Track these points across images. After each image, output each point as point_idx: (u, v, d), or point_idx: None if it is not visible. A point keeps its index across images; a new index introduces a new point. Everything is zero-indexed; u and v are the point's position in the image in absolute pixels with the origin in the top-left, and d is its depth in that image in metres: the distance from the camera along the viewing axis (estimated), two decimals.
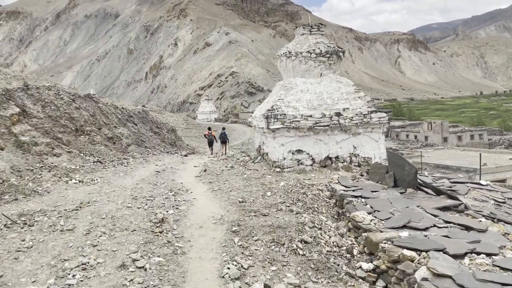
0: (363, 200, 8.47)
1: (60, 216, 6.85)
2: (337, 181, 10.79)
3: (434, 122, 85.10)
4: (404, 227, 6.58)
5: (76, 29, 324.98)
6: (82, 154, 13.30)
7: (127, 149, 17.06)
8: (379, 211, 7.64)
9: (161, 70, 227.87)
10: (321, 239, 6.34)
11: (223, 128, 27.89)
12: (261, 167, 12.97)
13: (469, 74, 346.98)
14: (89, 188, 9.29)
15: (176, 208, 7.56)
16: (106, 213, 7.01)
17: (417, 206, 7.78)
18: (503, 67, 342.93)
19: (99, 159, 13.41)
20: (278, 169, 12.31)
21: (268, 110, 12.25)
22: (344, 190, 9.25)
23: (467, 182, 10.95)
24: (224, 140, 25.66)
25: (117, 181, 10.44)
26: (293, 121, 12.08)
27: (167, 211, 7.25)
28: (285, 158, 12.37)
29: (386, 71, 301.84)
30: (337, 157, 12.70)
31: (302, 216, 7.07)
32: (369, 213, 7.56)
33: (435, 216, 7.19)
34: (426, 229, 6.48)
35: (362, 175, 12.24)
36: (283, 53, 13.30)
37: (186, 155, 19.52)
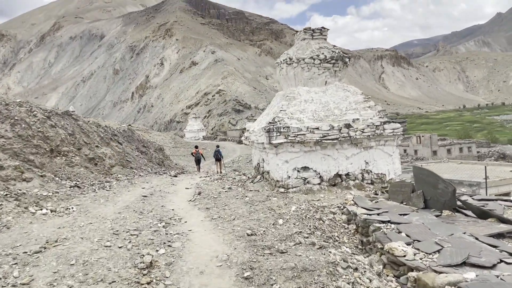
0: (393, 226, 7.01)
1: (16, 264, 5.21)
2: (353, 202, 9.33)
3: (423, 136, 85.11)
4: (463, 264, 5.12)
5: (61, 51, 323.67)
6: (57, 178, 11.62)
7: (111, 170, 15.40)
8: (419, 240, 6.18)
9: (147, 90, 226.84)
10: (361, 284, 4.83)
11: (217, 146, 27.35)
12: (262, 188, 11.46)
13: (451, 88, 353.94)
14: (60, 221, 7.63)
15: (169, 245, 5.96)
16: (77, 256, 5.39)
17: (464, 233, 6.35)
18: (484, 80, 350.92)
19: (77, 183, 11.74)
20: (282, 189, 10.81)
21: (269, 122, 10.82)
22: (367, 214, 7.78)
23: (495, 199, 9.58)
24: (218, 157, 25.38)
25: (96, 210, 8.79)
26: (298, 134, 10.65)
27: (157, 251, 5.65)
28: (289, 177, 10.88)
29: (370, 86, 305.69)
30: (347, 174, 11.27)
31: (329, 252, 5.56)
32: (407, 244, 6.10)
33: (494, 246, 5.75)
34: (493, 266, 5.03)
35: (376, 194, 10.82)
36: (283, 60, 11.97)
37: (175, 176, 17.90)
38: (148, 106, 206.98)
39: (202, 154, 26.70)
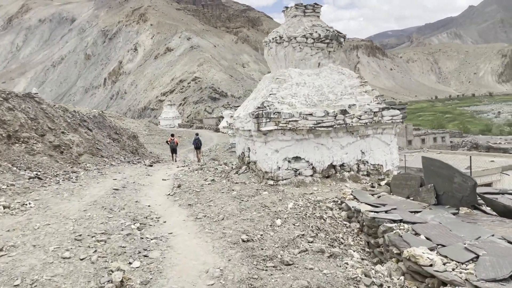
0: (406, 226, 6.06)
1: None
2: (352, 196, 8.36)
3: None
4: (511, 278, 4.19)
5: (29, 34, 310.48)
6: (14, 168, 10.16)
7: (79, 159, 13.94)
8: (443, 245, 5.24)
9: (120, 76, 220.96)
10: None
11: (197, 134, 27.32)
12: (249, 180, 10.37)
13: (424, 79, 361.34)
14: (11, 221, 6.29)
15: (145, 255, 4.77)
16: (24, 273, 4.15)
17: (493, 236, 5.45)
18: (456, 72, 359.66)
19: (38, 174, 10.30)
20: (271, 182, 9.75)
21: (258, 107, 9.68)
22: (374, 211, 6.80)
23: (502, 193, 8.79)
24: (198, 146, 25.55)
25: (57, 206, 7.47)
26: (289, 121, 9.58)
27: (130, 264, 4.46)
28: (279, 168, 9.83)
29: None
30: (342, 165, 10.31)
31: (345, 264, 4.52)
32: (430, 249, 5.14)
33: None
34: None
35: (373, 187, 9.92)
36: (273, 39, 10.79)
37: (151, 165, 16.56)
38: (121, 93, 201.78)
39: (177, 143, 26.06)
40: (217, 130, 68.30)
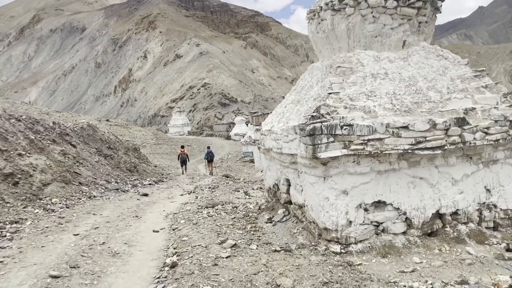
0: None
1: None
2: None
3: None
4: None
5: (41, 44, 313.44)
6: None
7: (41, 192, 9.78)
8: None
9: (130, 84, 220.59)
10: None
11: (208, 147, 27.25)
12: (294, 238, 6.23)
13: None
14: None
15: None
16: None
17: None
18: None
19: None
20: (335, 247, 5.51)
21: (312, 116, 5.38)
22: None
23: None
24: (211, 159, 25.37)
25: None
26: (369, 139, 5.29)
27: None
28: (350, 222, 5.61)
29: None
30: (455, 213, 5.94)
31: None
32: None
33: None
34: None
35: (510, 250, 5.48)
36: (326, 4, 6.52)
37: (146, 194, 12.37)
38: (131, 100, 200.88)
39: (187, 155, 25.81)
40: (228, 138, 64.51)
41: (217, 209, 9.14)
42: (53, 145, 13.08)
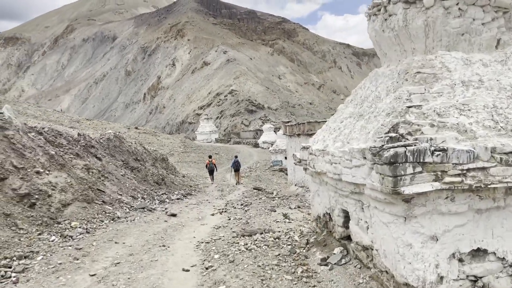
0: None
1: None
2: None
3: None
4: None
5: (73, 53, 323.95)
6: None
7: (60, 214, 8.78)
8: None
9: (159, 91, 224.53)
10: None
11: (236, 156, 27.52)
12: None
13: None
14: None
15: None
16: None
17: None
18: None
19: None
20: None
21: (390, 137, 3.98)
22: None
23: None
24: (237, 168, 25.45)
25: None
26: (468, 169, 3.80)
27: None
28: (442, 278, 4.11)
29: None
30: None
31: None
32: None
33: None
34: None
35: None
36: None
37: (174, 214, 11.24)
38: (160, 107, 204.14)
39: (215, 164, 26.20)
40: (256, 146, 63.38)
41: (255, 240, 7.85)
42: (76, 159, 12.20)
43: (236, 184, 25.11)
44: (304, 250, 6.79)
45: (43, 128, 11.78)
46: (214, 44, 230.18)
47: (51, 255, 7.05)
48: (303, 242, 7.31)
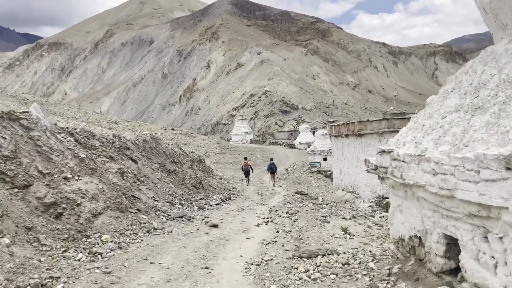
0: None
1: None
2: None
3: None
4: None
5: (113, 57, 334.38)
6: None
7: (91, 226, 7.71)
8: None
9: (194, 93, 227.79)
10: None
11: (271, 159, 27.05)
12: None
13: None
14: None
15: None
16: None
17: None
18: None
19: None
20: None
21: None
22: None
23: None
24: (273, 171, 25.05)
25: None
26: None
27: None
28: None
29: (423, 84, 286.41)
30: None
31: None
32: None
33: None
34: None
35: None
36: None
37: (215, 225, 9.95)
38: (195, 109, 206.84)
39: (251, 166, 26.03)
40: (292, 146, 61.87)
41: (319, 266, 6.36)
42: (110, 162, 11.18)
43: (273, 186, 24.69)
44: (388, 285, 5.24)
45: (74, 129, 10.85)
46: (248, 45, 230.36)
47: (73, 282, 5.87)
48: (384, 273, 5.73)
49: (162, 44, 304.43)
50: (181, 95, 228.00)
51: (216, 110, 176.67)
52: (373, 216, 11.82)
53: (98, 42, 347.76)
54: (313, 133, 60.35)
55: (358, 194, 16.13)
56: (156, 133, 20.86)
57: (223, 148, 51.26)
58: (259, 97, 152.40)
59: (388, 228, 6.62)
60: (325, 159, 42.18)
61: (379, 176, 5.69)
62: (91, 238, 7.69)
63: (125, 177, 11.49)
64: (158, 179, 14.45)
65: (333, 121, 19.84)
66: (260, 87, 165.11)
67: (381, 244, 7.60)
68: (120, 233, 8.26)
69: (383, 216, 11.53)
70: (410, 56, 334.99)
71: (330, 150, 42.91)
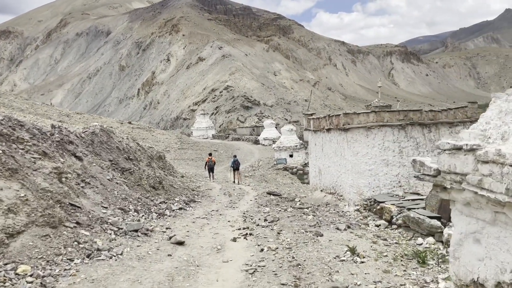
0: None
1: None
2: None
3: None
4: None
5: (67, 47, 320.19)
6: None
7: (1, 252, 5.03)
8: None
9: (153, 86, 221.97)
10: None
11: (235, 156, 26.92)
12: None
13: (462, 84, 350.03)
14: None
15: None
16: None
17: None
18: (496, 77, 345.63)
19: None
20: None
21: None
22: None
23: None
24: (237, 167, 24.99)
25: None
26: None
27: None
28: None
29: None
30: None
31: None
32: None
33: None
34: None
35: None
36: None
37: (181, 242, 7.61)
38: (154, 103, 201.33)
39: (214, 162, 25.84)
40: (256, 142, 60.22)
41: None
42: (42, 160, 8.56)
43: (237, 183, 24.14)
44: None
45: None
46: (209, 39, 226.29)
47: None
48: None
49: (119, 35, 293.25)
50: (140, 88, 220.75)
51: (176, 104, 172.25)
52: (367, 225, 10.07)
53: (51, 31, 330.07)
54: (277, 128, 58.89)
55: (341, 196, 14.25)
56: (111, 127, 18.05)
57: (184, 144, 48.54)
58: (220, 92, 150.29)
59: (432, 255, 4.70)
60: (291, 156, 40.70)
61: (436, 186, 3.75)
62: (0, 271, 5.18)
63: (63, 179, 8.93)
64: (109, 179, 11.89)
65: (311, 114, 18.05)
66: (221, 82, 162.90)
67: (405, 271, 5.69)
68: (47, 261, 5.73)
69: (379, 225, 9.85)
70: (368, 55, 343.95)
71: (296, 146, 41.13)
